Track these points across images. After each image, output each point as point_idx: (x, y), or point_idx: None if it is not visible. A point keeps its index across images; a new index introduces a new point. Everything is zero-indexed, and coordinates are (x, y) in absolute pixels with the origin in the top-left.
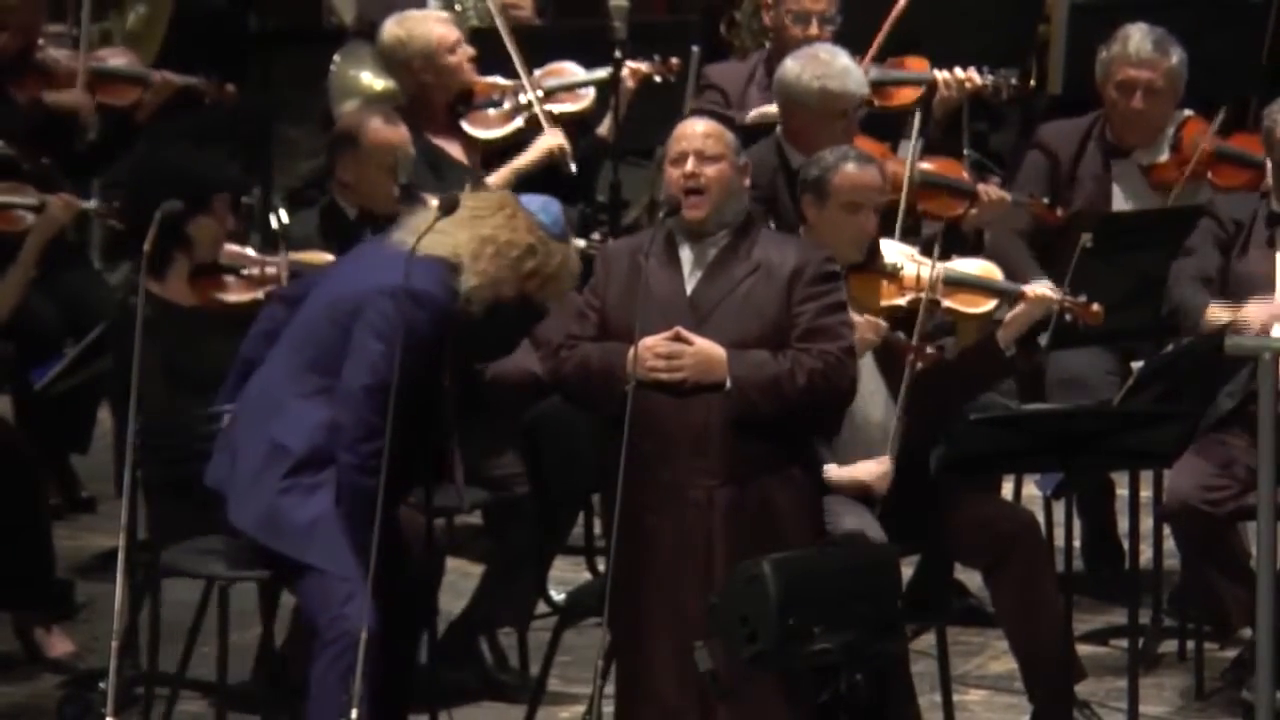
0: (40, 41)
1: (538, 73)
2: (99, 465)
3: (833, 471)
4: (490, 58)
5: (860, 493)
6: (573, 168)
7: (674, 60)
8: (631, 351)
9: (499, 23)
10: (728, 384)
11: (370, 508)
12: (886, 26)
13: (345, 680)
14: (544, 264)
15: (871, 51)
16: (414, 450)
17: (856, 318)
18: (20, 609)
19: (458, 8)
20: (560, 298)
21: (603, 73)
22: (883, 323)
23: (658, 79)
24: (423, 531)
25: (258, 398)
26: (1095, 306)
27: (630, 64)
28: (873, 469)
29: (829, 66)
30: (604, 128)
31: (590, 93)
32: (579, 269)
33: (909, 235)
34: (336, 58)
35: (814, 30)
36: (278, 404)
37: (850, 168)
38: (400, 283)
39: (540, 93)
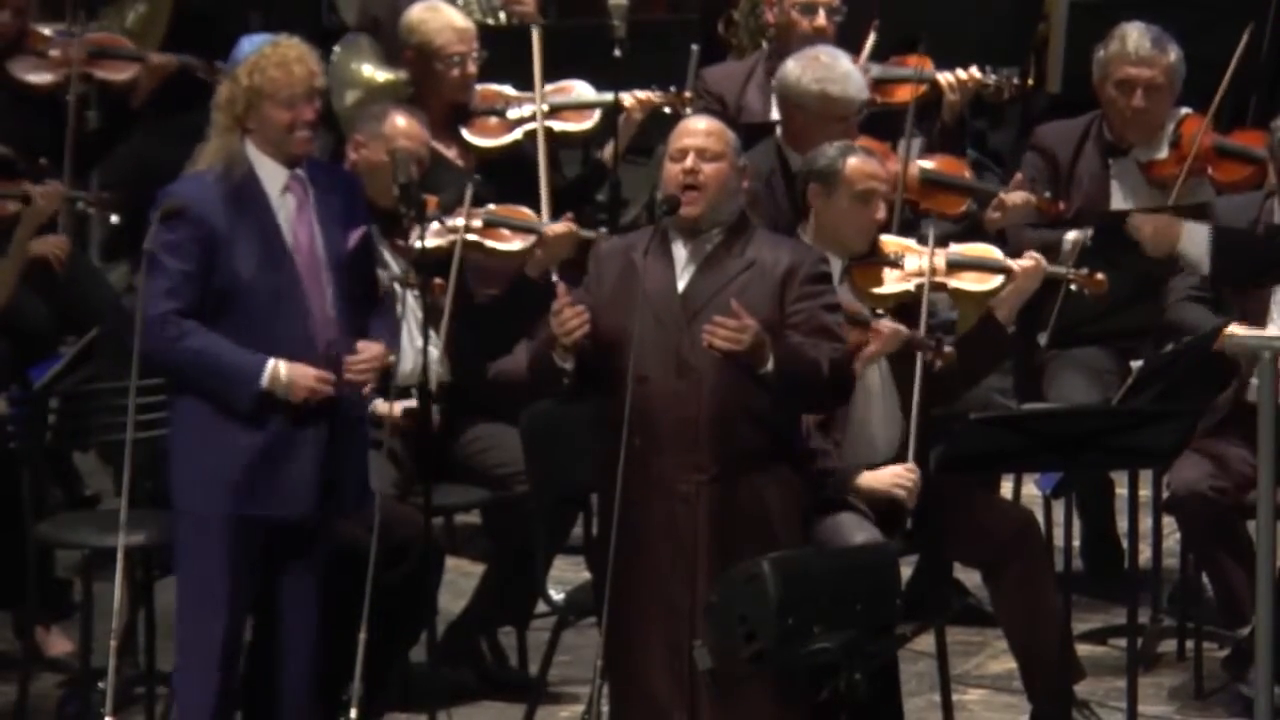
0: (47, 32)
1: (547, 89)
2: (99, 465)
3: (864, 479)
4: (495, 59)
5: (888, 507)
6: None
7: (687, 93)
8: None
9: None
10: (769, 365)
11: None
12: (871, 32)
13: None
14: (235, 87)
15: (864, 53)
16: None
17: (884, 324)
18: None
19: (459, 2)
20: (279, 89)
21: (611, 96)
22: (904, 328)
23: (667, 110)
24: (422, 530)
25: None
26: (1099, 275)
27: (639, 94)
28: (903, 482)
29: (830, 70)
30: (606, 152)
31: (595, 114)
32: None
33: (907, 230)
34: (336, 49)
35: (821, 21)
36: None
37: (859, 158)
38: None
39: (545, 107)
